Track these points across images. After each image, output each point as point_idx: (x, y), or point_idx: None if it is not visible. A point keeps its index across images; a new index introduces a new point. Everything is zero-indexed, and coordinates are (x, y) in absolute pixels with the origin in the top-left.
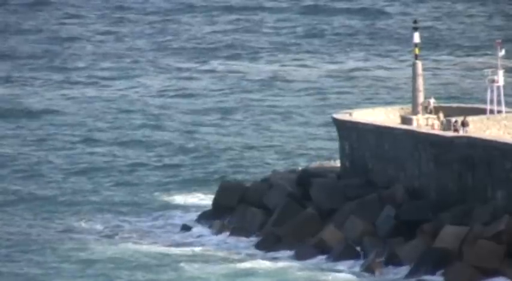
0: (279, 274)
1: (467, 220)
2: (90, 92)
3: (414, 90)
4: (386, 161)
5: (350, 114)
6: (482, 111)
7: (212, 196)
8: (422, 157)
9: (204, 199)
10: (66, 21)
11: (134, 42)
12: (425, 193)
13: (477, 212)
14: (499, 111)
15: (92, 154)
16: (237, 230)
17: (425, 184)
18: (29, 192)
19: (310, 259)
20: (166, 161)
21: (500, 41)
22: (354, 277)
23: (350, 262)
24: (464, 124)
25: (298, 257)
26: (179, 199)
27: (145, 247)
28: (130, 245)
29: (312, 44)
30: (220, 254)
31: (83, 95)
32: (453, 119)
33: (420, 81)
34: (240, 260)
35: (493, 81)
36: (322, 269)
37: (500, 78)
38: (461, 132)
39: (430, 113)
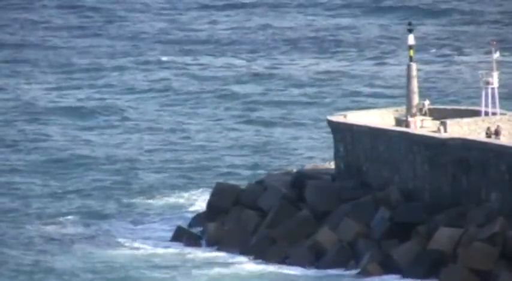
0: (273, 276)
1: (462, 222)
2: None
3: (409, 92)
4: (381, 163)
5: (345, 116)
6: (476, 113)
7: (206, 198)
8: (417, 159)
9: (199, 201)
10: None
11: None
12: (419, 194)
13: (472, 214)
14: (494, 113)
15: (80, 155)
16: (232, 232)
17: (420, 185)
18: (5, 193)
19: (304, 261)
20: (160, 163)
21: (495, 42)
22: (349, 279)
23: (345, 264)
24: (497, 133)
25: (293, 259)
26: (173, 201)
27: (139, 250)
28: (124, 249)
29: (306, 43)
30: (215, 256)
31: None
32: (487, 126)
33: (415, 83)
34: (235, 263)
35: (487, 83)
36: (317, 271)
37: (495, 80)
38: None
39: (425, 115)
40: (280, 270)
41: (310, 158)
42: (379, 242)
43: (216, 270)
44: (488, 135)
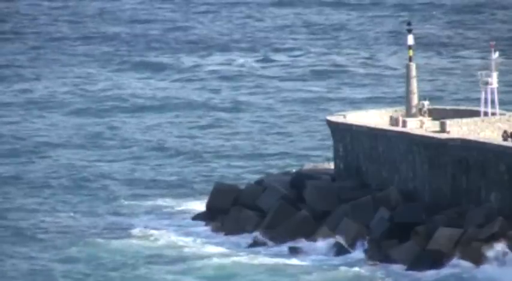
0: (271, 276)
1: (461, 222)
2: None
3: (408, 92)
4: (381, 163)
5: (344, 116)
6: (476, 114)
7: (205, 199)
8: (417, 159)
9: (198, 202)
10: None
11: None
12: (419, 195)
13: (471, 214)
14: (493, 114)
15: (81, 154)
16: (231, 232)
17: (420, 186)
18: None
19: (303, 261)
20: (159, 162)
21: (494, 43)
22: (348, 279)
23: (344, 264)
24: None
25: (291, 259)
26: (172, 201)
27: (139, 248)
28: (123, 246)
29: (304, 41)
30: (212, 255)
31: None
32: (504, 129)
33: (414, 84)
34: (233, 262)
35: (486, 83)
36: (316, 270)
37: (494, 80)
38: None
39: (424, 115)
40: (277, 269)
41: (310, 158)
42: (378, 243)
43: (217, 269)
44: (504, 138)
